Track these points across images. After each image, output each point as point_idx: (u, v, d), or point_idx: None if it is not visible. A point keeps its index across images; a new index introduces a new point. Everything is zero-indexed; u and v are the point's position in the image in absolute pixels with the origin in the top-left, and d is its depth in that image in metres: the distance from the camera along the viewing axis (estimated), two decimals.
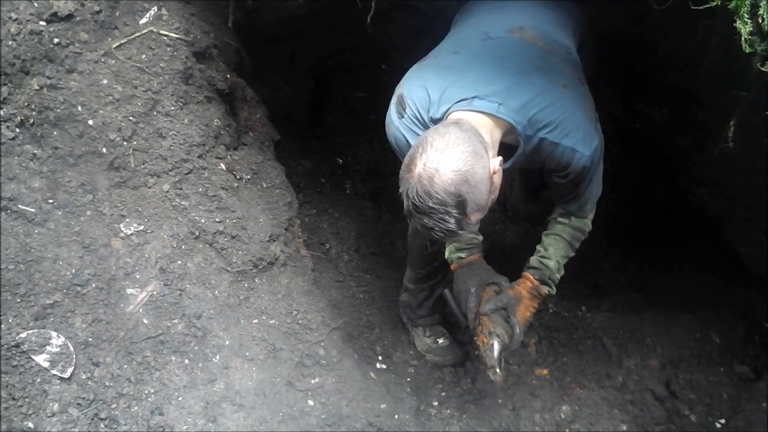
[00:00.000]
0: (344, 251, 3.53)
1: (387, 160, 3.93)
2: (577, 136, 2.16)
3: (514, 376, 3.20)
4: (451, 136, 1.90)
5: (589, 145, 2.19)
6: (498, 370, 2.45)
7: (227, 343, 2.38)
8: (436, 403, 3.08)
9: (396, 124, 2.25)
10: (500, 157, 2.04)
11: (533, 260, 2.60)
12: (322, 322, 2.71)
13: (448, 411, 3.05)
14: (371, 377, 2.86)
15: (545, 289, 2.55)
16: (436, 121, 2.15)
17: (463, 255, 2.61)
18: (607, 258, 3.92)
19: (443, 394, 3.16)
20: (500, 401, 3.11)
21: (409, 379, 3.16)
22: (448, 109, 2.11)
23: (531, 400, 3.10)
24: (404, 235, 3.08)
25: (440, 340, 3.30)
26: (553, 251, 2.56)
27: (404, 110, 2.21)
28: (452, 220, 1.90)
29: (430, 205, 1.87)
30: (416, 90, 2.20)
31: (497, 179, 2.02)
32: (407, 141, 2.23)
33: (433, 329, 3.30)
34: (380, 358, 3.17)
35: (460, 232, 1.96)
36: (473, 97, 2.08)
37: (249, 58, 2.99)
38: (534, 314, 2.58)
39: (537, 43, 2.28)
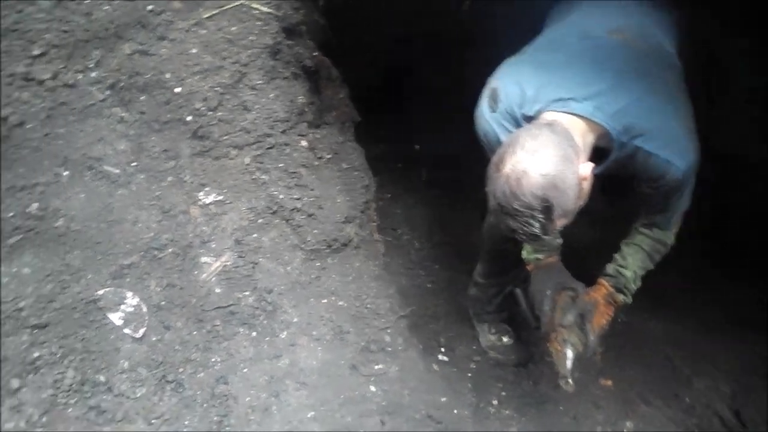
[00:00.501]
0: (415, 239, 3.51)
1: (465, 150, 3.88)
2: (673, 148, 2.09)
3: (577, 383, 3.13)
4: (543, 138, 1.86)
5: (685, 158, 2.11)
6: (570, 381, 2.40)
7: (295, 320, 2.38)
8: (495, 402, 3.03)
9: (487, 117, 2.21)
10: (591, 163, 1.98)
11: (610, 268, 2.53)
12: (390, 309, 2.69)
13: (507, 411, 3.01)
14: (434, 369, 2.83)
15: (620, 297, 2.49)
16: (528, 119, 2.10)
17: (540, 256, 2.57)
18: (683, 271, 3.79)
19: (503, 393, 3.11)
20: (561, 408, 3.05)
21: (470, 375, 3.12)
22: (542, 108, 2.06)
23: (594, 411, 3.03)
24: (478, 227, 3.03)
25: (505, 338, 3.26)
26: (631, 261, 2.49)
27: (497, 104, 2.17)
28: (537, 224, 1.86)
29: (516, 207, 1.84)
30: (511, 85, 2.16)
31: (586, 185, 1.97)
32: (497, 136, 2.19)
33: (498, 326, 3.26)
34: (443, 350, 3.14)
35: (544, 236, 1.91)
36: (569, 99, 2.03)
37: (335, 38, 2.98)
38: (609, 323, 2.51)
39: (638, 46, 2.21)
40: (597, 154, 2.11)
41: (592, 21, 2.32)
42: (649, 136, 2.06)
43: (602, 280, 2.52)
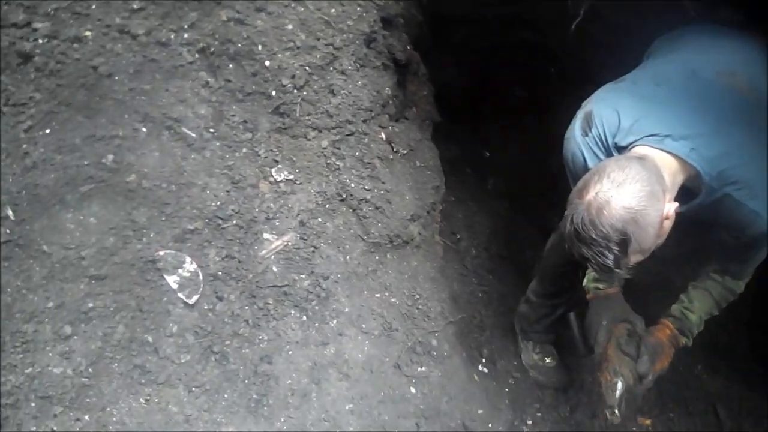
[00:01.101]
0: (473, 246, 3.45)
1: (534, 165, 3.83)
2: (765, 201, 2.01)
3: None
4: (631, 171, 1.80)
5: None
6: (616, 412, 2.34)
7: (347, 310, 2.36)
8: (530, 422, 2.98)
9: (578, 140, 2.15)
10: (676, 204, 1.92)
11: (675, 309, 2.47)
12: (441, 313, 2.66)
13: None
14: (474, 379, 2.79)
15: (683, 340, 2.42)
16: (619, 149, 2.04)
17: (601, 286, 2.51)
18: (734, 320, 3.68)
19: (539, 414, 3.05)
20: None
21: (507, 390, 3.06)
22: (636, 141, 2.00)
23: None
24: (537, 244, 2.98)
25: (548, 360, 3.19)
26: (698, 305, 2.42)
27: (590, 129, 2.12)
28: (611, 257, 1.81)
29: (593, 236, 1.79)
30: (607, 112, 2.09)
31: (668, 225, 1.91)
32: (585, 161, 2.13)
33: (544, 347, 3.20)
34: (484, 361, 3.08)
35: (616, 270, 1.86)
36: (666, 136, 1.96)
37: (430, 35, 2.95)
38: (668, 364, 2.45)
39: (745, 92, 2.12)
40: (682, 194, 2.04)
41: (702, 59, 2.23)
42: (743, 186, 1.99)
43: (667, 321, 2.45)
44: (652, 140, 1.97)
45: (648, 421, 3.12)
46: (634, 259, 1.88)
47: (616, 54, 2.50)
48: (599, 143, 2.10)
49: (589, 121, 2.12)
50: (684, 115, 2.02)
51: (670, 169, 1.94)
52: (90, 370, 1.96)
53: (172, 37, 2.22)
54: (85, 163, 2.10)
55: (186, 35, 2.23)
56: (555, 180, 2.40)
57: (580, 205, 1.82)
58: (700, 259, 2.51)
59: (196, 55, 2.25)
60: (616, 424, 2.41)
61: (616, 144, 2.05)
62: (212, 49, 2.26)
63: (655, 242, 1.88)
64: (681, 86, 2.13)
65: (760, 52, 2.32)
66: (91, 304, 2.01)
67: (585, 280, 2.57)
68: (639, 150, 1.98)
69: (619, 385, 2.34)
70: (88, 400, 1.95)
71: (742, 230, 2.09)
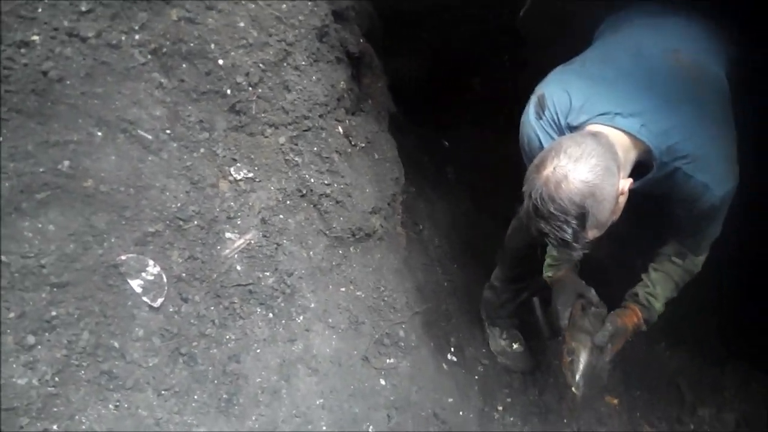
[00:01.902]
0: (436, 236, 3.48)
1: (493, 152, 3.85)
2: (713, 174, 2.08)
3: (584, 399, 3.12)
4: (587, 147, 1.85)
5: (723, 186, 2.10)
6: (575, 390, 2.40)
7: (312, 305, 2.37)
8: (500, 408, 3.03)
9: (533, 124, 2.19)
10: (630, 179, 1.97)
11: (642, 296, 2.52)
12: (407, 304, 2.68)
13: (512, 418, 3.00)
14: (443, 369, 2.82)
15: (644, 327, 2.50)
16: (572, 129, 2.09)
17: (550, 273, 2.58)
18: (695, 300, 3.75)
19: (509, 399, 3.10)
20: (565, 421, 3.05)
21: (476, 377, 3.10)
22: (588, 120, 2.04)
23: (597, 427, 3.03)
24: (499, 230, 3.01)
25: (515, 345, 3.25)
26: (660, 290, 2.50)
27: (543, 111, 2.16)
28: (569, 231, 1.85)
29: (551, 210, 1.83)
30: (558, 93, 2.14)
31: (622, 200, 1.96)
32: (540, 143, 2.17)
33: (510, 332, 3.25)
34: (452, 350, 3.12)
35: (573, 244, 1.90)
36: (616, 113, 2.01)
37: (381, 26, 2.95)
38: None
39: (690, 68, 2.18)
40: (635, 170, 2.09)
41: (647, 38, 2.29)
42: (692, 159, 2.05)
43: (636, 309, 2.51)
44: (603, 118, 2.02)
45: (615, 400, 3.19)
46: (592, 234, 1.93)
47: (566, 37, 2.54)
48: (553, 125, 2.15)
49: (542, 104, 2.16)
50: (633, 92, 2.07)
51: (622, 145, 1.99)
52: (56, 378, 1.93)
53: (123, 38, 2.18)
54: (41, 170, 2.06)
55: (137, 36, 2.20)
56: (513, 166, 2.42)
57: (537, 180, 1.85)
58: (657, 236, 2.57)
59: (149, 56, 2.22)
60: (579, 402, 2.47)
61: (569, 124, 2.10)
62: (164, 50, 2.23)
63: (610, 217, 1.94)
64: (628, 64, 2.18)
65: (702, 29, 2.38)
66: (54, 312, 1.98)
67: (544, 269, 2.63)
68: (591, 128, 2.02)
69: (578, 364, 2.39)
70: (55, 409, 1.92)
71: (693, 203, 2.15)
